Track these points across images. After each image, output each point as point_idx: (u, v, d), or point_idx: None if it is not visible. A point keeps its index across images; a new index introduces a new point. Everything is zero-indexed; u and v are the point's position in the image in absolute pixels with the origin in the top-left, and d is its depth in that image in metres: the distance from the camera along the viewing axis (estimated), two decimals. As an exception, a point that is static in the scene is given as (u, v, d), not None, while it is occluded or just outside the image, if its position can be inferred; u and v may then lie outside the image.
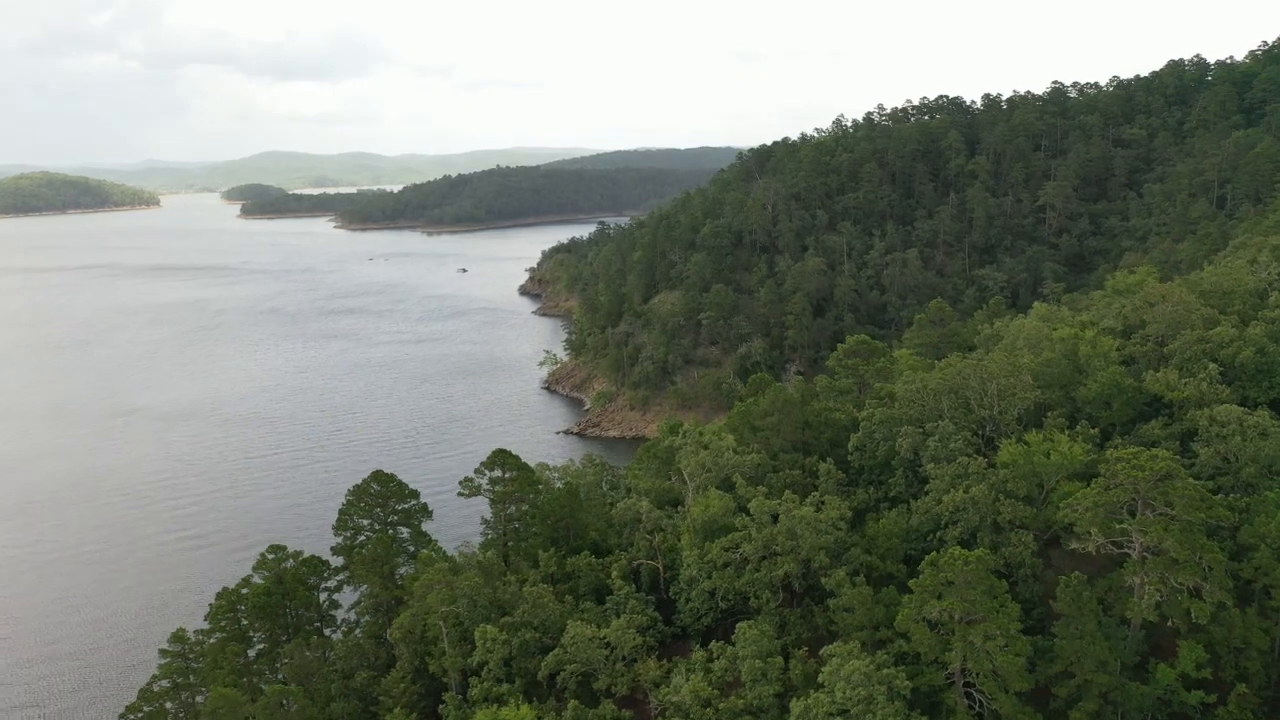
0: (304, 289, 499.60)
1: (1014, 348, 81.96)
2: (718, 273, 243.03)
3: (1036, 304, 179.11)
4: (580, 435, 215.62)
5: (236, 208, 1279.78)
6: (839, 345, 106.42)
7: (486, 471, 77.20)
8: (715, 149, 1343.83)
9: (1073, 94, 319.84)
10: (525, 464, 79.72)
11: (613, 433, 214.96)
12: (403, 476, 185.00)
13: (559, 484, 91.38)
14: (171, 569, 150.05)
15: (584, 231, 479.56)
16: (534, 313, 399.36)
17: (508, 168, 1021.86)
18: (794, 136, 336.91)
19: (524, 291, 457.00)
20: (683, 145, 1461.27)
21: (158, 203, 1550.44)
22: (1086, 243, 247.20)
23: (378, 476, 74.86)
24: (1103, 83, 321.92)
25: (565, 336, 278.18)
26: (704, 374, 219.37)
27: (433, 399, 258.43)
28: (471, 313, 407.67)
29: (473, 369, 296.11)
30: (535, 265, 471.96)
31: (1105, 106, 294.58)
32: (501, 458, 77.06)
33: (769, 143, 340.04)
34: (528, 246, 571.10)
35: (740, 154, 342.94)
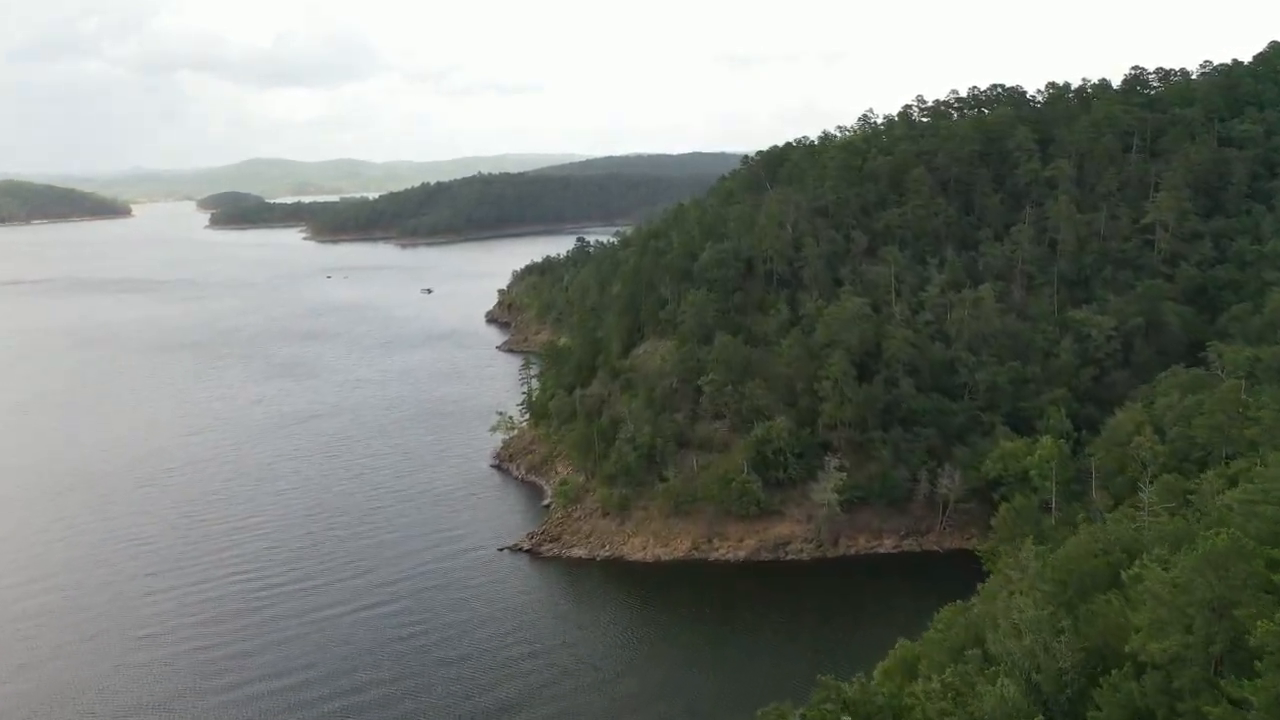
0: (241, 313, 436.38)
1: None
2: (722, 316, 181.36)
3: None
4: (532, 554, 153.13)
5: (208, 217, 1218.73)
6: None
7: None
8: (708, 154, 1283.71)
9: (1154, 82, 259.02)
10: None
11: (578, 551, 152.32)
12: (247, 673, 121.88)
13: None
14: None
15: (570, 243, 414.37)
16: (499, 347, 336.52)
17: (490, 174, 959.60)
18: (793, 140, 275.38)
19: (491, 319, 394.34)
20: (675, 150, 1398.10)
21: (129, 212, 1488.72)
22: (1211, 273, 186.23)
23: None
24: (1191, 69, 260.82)
25: (522, 393, 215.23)
26: (706, 464, 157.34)
27: (348, 480, 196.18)
28: (426, 345, 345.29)
29: (410, 428, 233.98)
30: (506, 287, 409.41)
31: (1205, 97, 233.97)
32: None
33: (780, 144, 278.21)
34: (507, 260, 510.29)
35: (745, 157, 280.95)
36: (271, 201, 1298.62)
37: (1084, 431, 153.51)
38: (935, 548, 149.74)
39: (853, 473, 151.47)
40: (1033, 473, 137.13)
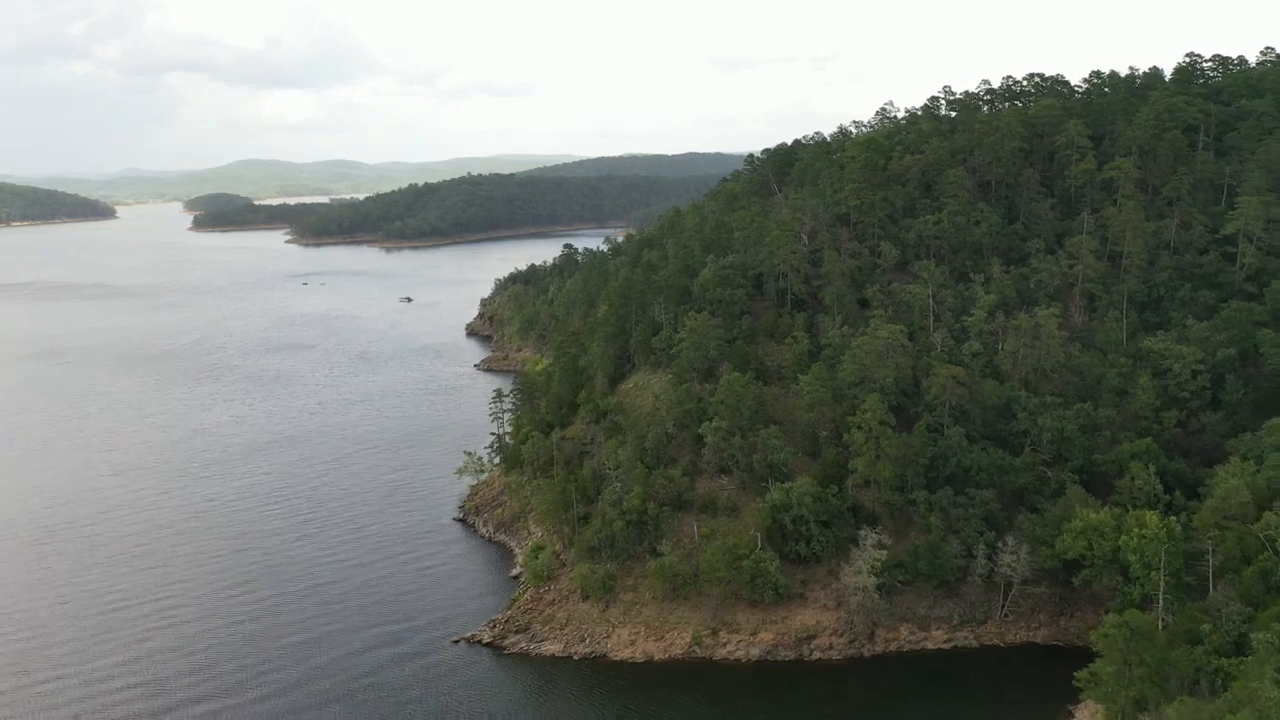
0: (203, 325, 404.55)
1: None
2: (728, 345, 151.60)
3: None
4: (494, 649, 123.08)
5: (192, 219, 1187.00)
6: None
7: None
8: (705, 155, 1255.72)
9: (1211, 70, 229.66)
10: None
11: (550, 646, 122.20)
12: None
13: None
14: None
15: (560, 248, 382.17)
16: (478, 365, 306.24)
17: (479, 175, 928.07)
18: (803, 138, 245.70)
19: (472, 331, 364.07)
20: (670, 151, 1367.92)
21: (114, 213, 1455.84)
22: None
23: None
24: (1250, 57, 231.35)
25: (492, 434, 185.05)
26: (709, 532, 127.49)
27: (288, 537, 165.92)
28: (399, 361, 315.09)
29: (369, 465, 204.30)
30: (488, 297, 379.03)
31: (1276, 87, 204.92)
32: None
33: (777, 144, 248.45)
34: (494, 265, 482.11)
35: (750, 156, 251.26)
36: (259, 203, 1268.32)
37: (1176, 492, 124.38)
38: (996, 641, 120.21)
39: (893, 547, 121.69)
40: (1130, 558, 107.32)
